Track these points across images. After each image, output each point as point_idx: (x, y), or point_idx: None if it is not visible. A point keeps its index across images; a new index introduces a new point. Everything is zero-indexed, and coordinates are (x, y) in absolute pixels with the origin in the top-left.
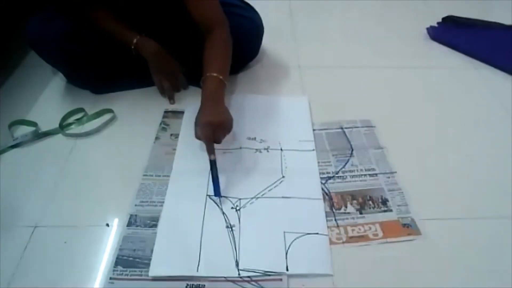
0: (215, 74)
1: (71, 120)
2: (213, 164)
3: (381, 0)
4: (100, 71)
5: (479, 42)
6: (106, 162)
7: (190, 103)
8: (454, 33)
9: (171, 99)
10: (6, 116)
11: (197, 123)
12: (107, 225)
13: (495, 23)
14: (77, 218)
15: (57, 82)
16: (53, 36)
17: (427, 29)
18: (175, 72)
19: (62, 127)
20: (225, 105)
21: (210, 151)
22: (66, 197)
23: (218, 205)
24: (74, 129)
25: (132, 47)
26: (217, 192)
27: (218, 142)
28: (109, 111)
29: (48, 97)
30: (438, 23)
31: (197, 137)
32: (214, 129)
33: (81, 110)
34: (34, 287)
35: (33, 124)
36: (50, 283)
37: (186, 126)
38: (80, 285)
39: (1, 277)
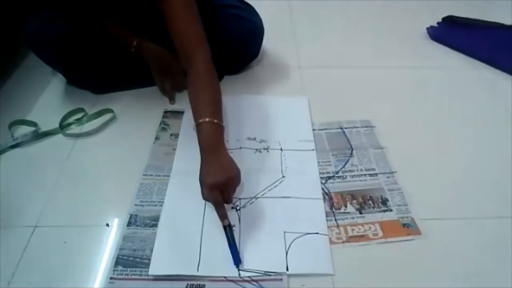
0: (208, 120)
1: (71, 120)
2: (227, 230)
3: (381, 0)
4: (100, 72)
5: (479, 42)
6: (106, 162)
7: None
8: (454, 33)
9: (172, 100)
10: (6, 116)
11: (202, 184)
12: (107, 225)
13: (495, 23)
14: (77, 218)
15: (57, 82)
16: (52, 37)
17: (427, 29)
18: (177, 72)
19: (62, 127)
20: (228, 154)
21: (223, 215)
22: (66, 197)
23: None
24: (74, 129)
25: (132, 49)
26: (236, 259)
27: (229, 202)
28: (109, 111)
29: (48, 97)
30: (438, 23)
31: (205, 199)
32: (223, 190)
33: (81, 110)
34: (34, 287)
35: (33, 124)
36: (50, 283)
37: (186, 126)
38: (80, 285)
39: (1, 277)
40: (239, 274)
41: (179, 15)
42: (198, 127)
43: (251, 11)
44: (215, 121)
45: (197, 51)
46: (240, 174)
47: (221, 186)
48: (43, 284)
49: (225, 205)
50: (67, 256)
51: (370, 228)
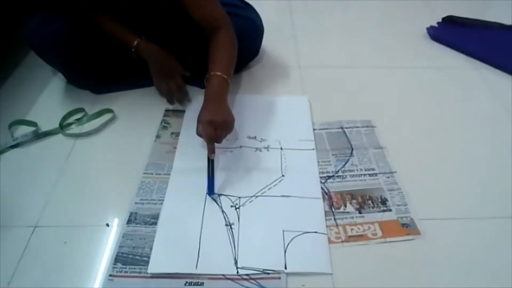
0: (219, 73)
1: (71, 120)
2: (211, 163)
3: (381, 0)
4: (100, 71)
5: (479, 42)
6: (106, 162)
7: (191, 103)
8: (454, 33)
9: (171, 102)
10: (6, 116)
11: (199, 120)
12: (107, 225)
13: (495, 23)
14: (77, 218)
15: (57, 82)
16: (52, 36)
17: (427, 29)
18: (176, 75)
19: (62, 127)
20: (227, 105)
21: (211, 150)
22: (66, 197)
23: (217, 203)
24: (74, 129)
25: (133, 49)
26: (211, 190)
27: (219, 141)
28: (109, 111)
29: (48, 97)
30: (438, 23)
31: (198, 134)
32: (216, 128)
33: (81, 110)
34: (34, 287)
35: (33, 124)
36: (50, 283)
37: (187, 125)
38: (80, 285)
39: (1, 277)
40: (238, 272)
41: (202, 1)
42: (209, 78)
43: (251, 11)
44: (225, 76)
45: (222, 26)
46: (234, 122)
47: (216, 125)
48: (43, 284)
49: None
50: (67, 256)
51: (369, 228)
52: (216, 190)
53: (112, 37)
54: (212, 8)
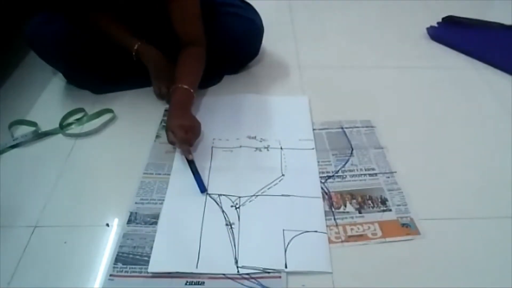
0: (186, 86)
1: (71, 120)
2: (191, 163)
3: (381, 0)
4: (100, 71)
5: (479, 42)
6: (106, 162)
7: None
8: (454, 33)
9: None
10: (6, 116)
11: (168, 128)
12: (107, 225)
13: (495, 23)
14: (77, 218)
15: (57, 82)
16: (52, 37)
17: (427, 29)
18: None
19: (62, 127)
20: (191, 113)
21: (187, 151)
22: (66, 197)
23: (217, 203)
24: (74, 129)
25: (133, 53)
26: (202, 187)
27: (191, 144)
28: (109, 111)
29: (48, 97)
30: (438, 23)
31: (170, 141)
32: (187, 132)
33: (81, 110)
34: (34, 287)
35: (33, 124)
36: (50, 283)
37: None
38: (80, 285)
39: (1, 277)
40: (238, 271)
41: (186, 17)
42: (176, 89)
43: (251, 10)
44: (192, 90)
45: (198, 45)
46: (201, 127)
47: (186, 128)
48: (43, 284)
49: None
50: (67, 256)
51: (369, 227)
52: (216, 190)
53: (113, 39)
54: (193, 28)
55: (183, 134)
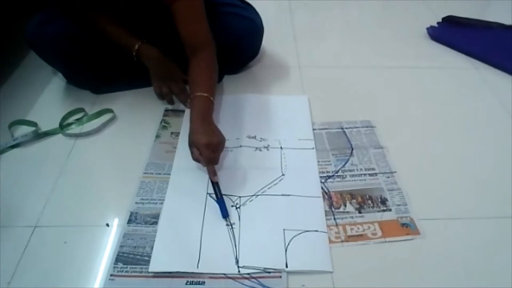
0: (205, 95)
1: (71, 120)
2: (216, 185)
3: (381, 0)
4: (100, 72)
5: (479, 42)
6: (106, 162)
7: None
8: (454, 33)
9: (171, 103)
10: (6, 116)
11: (193, 145)
12: (107, 225)
13: (495, 23)
14: (77, 218)
15: (57, 82)
16: (52, 37)
17: (427, 29)
18: (176, 79)
19: (62, 127)
20: (215, 124)
21: (212, 172)
22: (66, 197)
23: (215, 200)
24: (74, 129)
25: (134, 53)
26: (224, 212)
27: (217, 162)
28: (109, 111)
29: (48, 97)
30: (438, 23)
31: (195, 158)
32: (214, 151)
33: (81, 110)
34: (34, 287)
35: (33, 124)
36: (50, 283)
37: (187, 125)
38: (80, 285)
39: (1, 277)
40: (239, 271)
41: (189, 17)
42: (193, 99)
43: (251, 10)
44: (210, 97)
45: (204, 49)
46: (225, 140)
47: (213, 147)
48: (43, 284)
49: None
50: (67, 256)
51: (369, 227)
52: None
53: (113, 39)
54: (199, 28)
55: (210, 153)
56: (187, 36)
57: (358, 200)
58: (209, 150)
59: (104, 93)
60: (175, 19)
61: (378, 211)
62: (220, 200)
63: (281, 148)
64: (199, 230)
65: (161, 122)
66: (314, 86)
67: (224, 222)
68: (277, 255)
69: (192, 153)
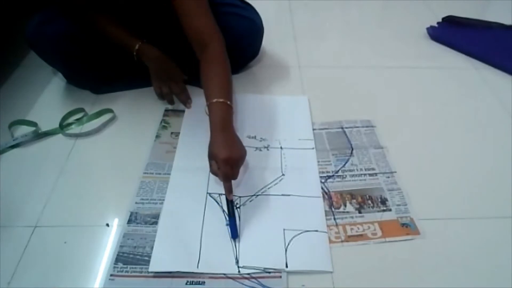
0: (222, 100)
1: (71, 120)
2: (230, 203)
3: (381, 0)
4: (100, 71)
5: (479, 42)
6: (106, 162)
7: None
8: (454, 33)
9: (171, 103)
10: (6, 116)
11: (213, 158)
12: (107, 225)
13: (495, 23)
14: (77, 218)
15: (57, 82)
16: (52, 37)
17: (427, 29)
18: (176, 79)
19: (62, 127)
20: (236, 134)
21: (229, 189)
22: (66, 197)
23: (218, 203)
24: (74, 129)
25: (134, 53)
26: (234, 233)
27: (235, 178)
28: (109, 111)
29: (48, 97)
30: (438, 23)
31: (213, 172)
32: (233, 166)
33: (81, 110)
34: (34, 287)
35: (33, 124)
36: (50, 283)
37: (187, 125)
38: (80, 285)
39: (1, 277)
40: (239, 271)
41: (192, 11)
42: (211, 106)
43: (251, 10)
44: (228, 102)
45: (212, 42)
46: (246, 154)
47: (233, 162)
48: (43, 284)
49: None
50: (67, 256)
51: (369, 227)
52: (216, 190)
53: (113, 39)
54: (203, 22)
55: (228, 169)
56: (192, 32)
57: (358, 200)
58: (228, 165)
59: (104, 93)
60: (178, 16)
61: (378, 211)
62: (231, 219)
63: (281, 148)
64: (199, 230)
65: (161, 122)
66: (314, 86)
67: (224, 222)
68: (277, 255)
69: (210, 166)
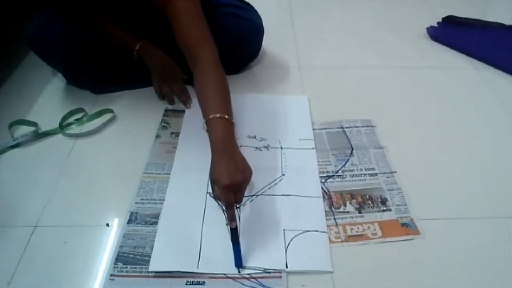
0: (219, 115)
1: (71, 120)
2: (234, 231)
3: (381, 0)
4: (100, 72)
5: (479, 42)
6: (106, 162)
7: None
8: (454, 33)
9: (171, 102)
10: (6, 116)
11: (214, 182)
12: (107, 225)
13: (495, 23)
14: (77, 218)
15: (57, 82)
16: (52, 37)
17: (427, 29)
18: (177, 79)
19: (62, 127)
20: (240, 152)
21: (232, 217)
22: (66, 197)
23: (218, 203)
24: (74, 129)
25: (135, 53)
26: (238, 261)
27: (240, 203)
28: (109, 111)
29: (48, 97)
30: (438, 23)
31: (216, 198)
32: (236, 192)
33: (81, 110)
34: (34, 287)
35: (33, 124)
36: (50, 283)
37: (187, 125)
38: (80, 285)
39: (1, 277)
40: (239, 271)
41: (183, 17)
42: (209, 123)
43: (251, 11)
44: (226, 117)
45: (202, 50)
46: (252, 173)
47: (236, 187)
48: (43, 284)
49: None
50: (67, 256)
51: (369, 227)
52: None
53: (113, 40)
54: (194, 28)
55: (231, 196)
56: (182, 41)
57: (358, 200)
58: (230, 192)
59: (104, 93)
60: (170, 23)
61: (378, 211)
62: (236, 247)
63: (281, 148)
64: (199, 230)
65: (161, 122)
66: (314, 86)
67: (224, 222)
68: (277, 255)
69: (212, 189)
